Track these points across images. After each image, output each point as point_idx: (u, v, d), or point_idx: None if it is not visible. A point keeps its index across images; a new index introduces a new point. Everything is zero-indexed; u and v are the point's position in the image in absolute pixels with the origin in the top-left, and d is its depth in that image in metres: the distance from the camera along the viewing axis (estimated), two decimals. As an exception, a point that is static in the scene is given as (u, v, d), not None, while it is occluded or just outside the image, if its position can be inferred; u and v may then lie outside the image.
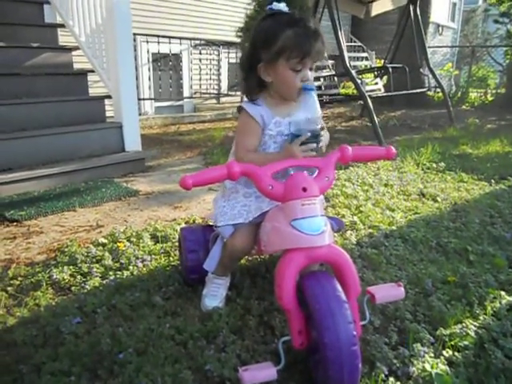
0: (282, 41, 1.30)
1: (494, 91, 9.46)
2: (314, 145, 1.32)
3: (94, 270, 1.82)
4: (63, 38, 4.18)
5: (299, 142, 1.32)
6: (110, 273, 1.80)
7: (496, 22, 10.60)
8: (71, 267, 1.84)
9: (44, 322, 1.47)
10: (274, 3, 1.38)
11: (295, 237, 1.17)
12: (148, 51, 6.55)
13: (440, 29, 13.84)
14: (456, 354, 1.29)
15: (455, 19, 15.47)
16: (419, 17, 6.23)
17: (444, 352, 1.30)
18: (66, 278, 1.76)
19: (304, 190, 1.20)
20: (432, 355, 1.28)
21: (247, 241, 1.44)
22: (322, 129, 1.35)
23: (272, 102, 1.43)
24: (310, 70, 1.36)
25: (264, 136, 1.43)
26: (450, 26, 14.97)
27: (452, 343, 1.34)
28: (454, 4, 15.13)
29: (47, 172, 2.97)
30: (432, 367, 1.22)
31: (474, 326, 1.41)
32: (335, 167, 1.30)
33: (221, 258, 1.54)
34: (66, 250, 2.01)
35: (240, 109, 1.46)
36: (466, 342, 1.34)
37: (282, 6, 1.37)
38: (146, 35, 6.15)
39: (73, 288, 1.70)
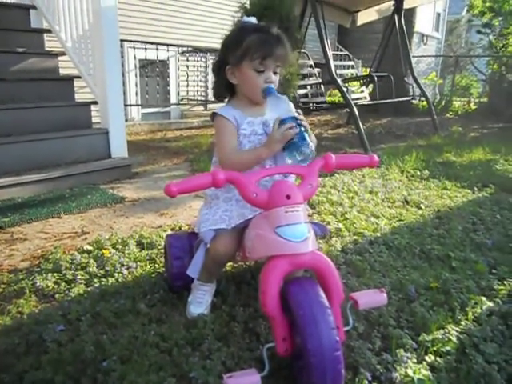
0: (246, 43, 1.39)
1: (477, 100, 9.65)
2: (292, 124, 1.31)
3: (79, 277, 1.81)
4: (49, 43, 4.16)
5: (276, 126, 1.33)
6: (95, 280, 1.79)
7: (479, 32, 10.83)
8: (55, 274, 1.82)
9: (27, 329, 1.45)
10: (245, 17, 1.50)
11: (279, 244, 1.19)
12: (135, 57, 6.54)
13: (424, 38, 14.10)
14: (438, 359, 1.31)
15: (439, 29, 15.78)
16: (404, 27, 6.34)
17: (426, 357, 1.32)
18: (49, 285, 1.74)
19: (288, 197, 1.21)
20: (415, 361, 1.30)
21: (230, 245, 1.44)
22: (299, 113, 1.37)
23: (242, 104, 1.50)
24: (275, 74, 1.43)
25: (239, 136, 1.48)
26: (435, 36, 15.26)
27: (434, 349, 1.36)
28: (439, 14, 15.44)
29: (32, 178, 2.94)
30: (414, 373, 1.24)
31: (456, 331, 1.44)
32: (318, 175, 1.32)
33: (204, 264, 1.54)
34: (50, 257, 1.99)
35: (213, 115, 1.52)
36: (447, 348, 1.36)
37: (252, 19, 1.48)
38: (133, 41, 6.15)
39: (57, 295, 1.69)
